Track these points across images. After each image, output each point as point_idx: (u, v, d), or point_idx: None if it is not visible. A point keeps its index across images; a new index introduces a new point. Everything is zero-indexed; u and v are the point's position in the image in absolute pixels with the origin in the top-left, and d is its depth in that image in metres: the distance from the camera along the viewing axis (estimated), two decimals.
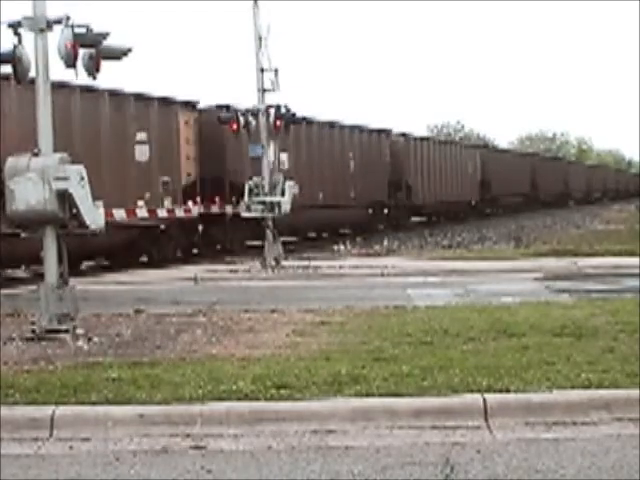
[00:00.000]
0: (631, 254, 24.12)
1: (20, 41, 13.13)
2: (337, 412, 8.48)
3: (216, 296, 17.66)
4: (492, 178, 64.81)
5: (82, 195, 12.86)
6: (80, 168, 13.06)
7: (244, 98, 49.68)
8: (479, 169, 62.78)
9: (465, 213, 60.33)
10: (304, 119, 32.46)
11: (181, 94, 30.09)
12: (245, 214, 26.97)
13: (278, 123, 26.76)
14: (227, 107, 27.60)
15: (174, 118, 28.90)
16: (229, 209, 31.48)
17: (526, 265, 23.32)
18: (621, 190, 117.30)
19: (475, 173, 62.16)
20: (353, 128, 42.98)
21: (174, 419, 8.44)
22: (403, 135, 50.54)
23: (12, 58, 13.09)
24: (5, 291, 20.03)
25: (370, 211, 44.28)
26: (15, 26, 13.08)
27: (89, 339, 12.47)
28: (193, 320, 14.18)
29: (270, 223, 26.45)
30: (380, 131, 46.54)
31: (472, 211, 61.62)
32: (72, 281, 13.68)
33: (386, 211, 46.64)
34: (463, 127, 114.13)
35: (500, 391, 8.78)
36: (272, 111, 26.73)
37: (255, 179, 26.60)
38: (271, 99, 26.88)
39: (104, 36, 13.14)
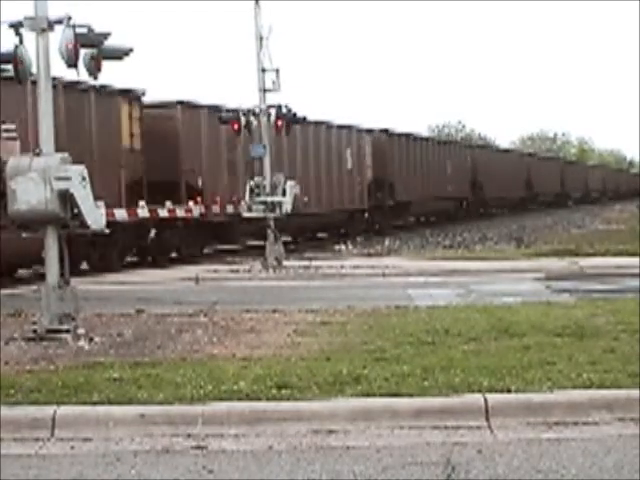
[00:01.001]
0: (632, 254, 24.13)
1: (21, 41, 13.14)
2: (338, 412, 8.48)
3: (217, 296, 17.67)
4: (396, 177, 45.96)
5: (83, 195, 12.86)
6: (81, 168, 13.06)
7: (245, 98, 49.66)
8: (369, 164, 43.14)
9: (345, 228, 41.23)
10: None
11: (181, 94, 29.90)
12: (246, 214, 26.98)
13: (279, 123, 26.81)
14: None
15: None
16: None
17: (527, 265, 23.33)
18: (600, 189, 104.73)
19: (362, 170, 42.10)
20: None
21: (175, 419, 8.44)
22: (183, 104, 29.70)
23: (13, 58, 13.09)
24: (6, 291, 20.04)
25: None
26: (16, 26, 13.08)
27: (90, 339, 12.48)
28: (194, 320, 14.18)
29: (271, 223, 26.46)
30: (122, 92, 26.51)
31: (354, 225, 41.96)
32: (73, 281, 13.68)
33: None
34: (464, 127, 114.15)
35: (501, 391, 8.77)
36: (273, 111, 26.78)
37: (256, 179, 26.62)
38: (272, 99, 26.94)
39: (105, 36, 13.15)
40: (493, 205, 66.85)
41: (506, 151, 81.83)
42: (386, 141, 46.11)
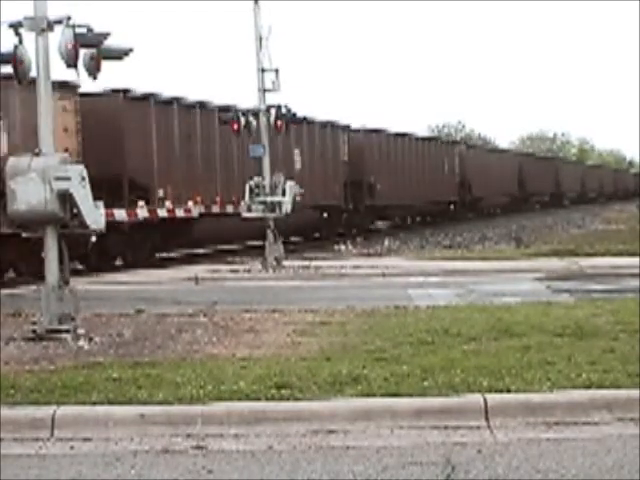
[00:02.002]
0: (632, 254, 24.12)
1: (21, 41, 13.14)
2: (338, 412, 8.47)
3: (217, 296, 17.67)
4: (160, 176, 27.51)
5: (83, 195, 12.86)
6: (81, 168, 13.07)
7: (245, 98, 49.54)
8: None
9: None
10: None
11: (181, 94, 29.84)
12: (246, 214, 26.97)
13: (279, 123, 26.82)
14: None
15: None
16: None
17: (527, 265, 23.34)
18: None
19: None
20: None
21: (175, 419, 8.44)
22: None
23: (13, 58, 13.09)
24: (6, 291, 20.04)
25: None
26: (16, 26, 13.08)
27: (90, 339, 12.48)
28: (194, 320, 14.18)
29: (271, 223, 26.45)
30: None
31: None
32: (72, 281, 13.68)
33: None
34: (464, 127, 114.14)
35: (501, 391, 8.77)
36: (273, 111, 26.78)
37: (256, 179, 26.61)
38: (272, 99, 26.93)
39: (105, 36, 13.15)
40: (394, 214, 47.45)
41: (426, 139, 55.20)
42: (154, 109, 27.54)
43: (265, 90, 26.72)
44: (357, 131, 43.09)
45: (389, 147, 45.71)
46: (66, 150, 24.44)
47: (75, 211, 12.92)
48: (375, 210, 43.49)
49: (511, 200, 65.91)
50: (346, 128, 41.68)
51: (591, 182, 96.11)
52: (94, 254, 25.57)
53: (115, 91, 26.96)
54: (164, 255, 30.83)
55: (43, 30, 12.96)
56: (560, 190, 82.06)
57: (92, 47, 13.11)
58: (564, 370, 9.41)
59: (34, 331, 12.75)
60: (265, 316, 14.35)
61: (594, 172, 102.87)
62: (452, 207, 55.39)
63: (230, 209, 30.45)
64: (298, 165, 36.50)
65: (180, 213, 28.63)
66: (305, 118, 33.09)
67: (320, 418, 8.41)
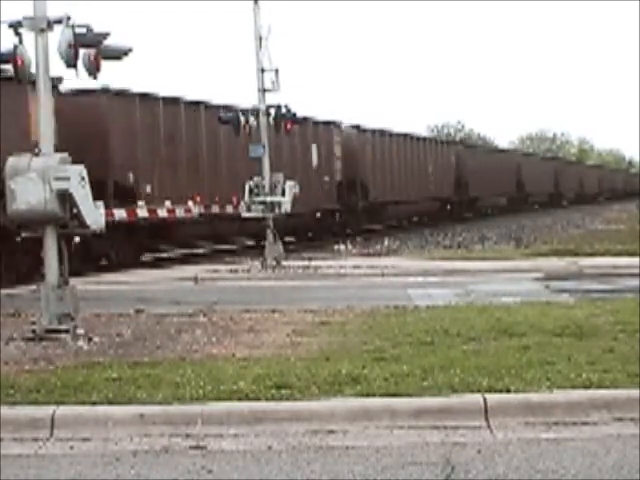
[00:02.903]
0: (632, 254, 24.10)
1: (21, 41, 13.14)
2: (337, 412, 8.47)
3: (216, 296, 17.67)
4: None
5: (82, 195, 12.86)
6: (81, 168, 13.06)
7: (244, 98, 49.42)
8: None
9: None
10: None
11: (182, 94, 29.77)
12: (245, 214, 26.97)
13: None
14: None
15: None
16: None
17: (526, 265, 23.32)
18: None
19: None
20: None
21: (174, 419, 8.44)
22: None
23: (13, 58, 13.09)
24: (5, 291, 20.03)
25: None
26: (16, 26, 13.08)
27: (89, 339, 12.47)
28: (193, 320, 14.18)
29: (270, 223, 26.45)
30: None
31: None
32: (72, 281, 13.68)
33: None
34: (464, 127, 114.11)
35: (500, 391, 8.77)
36: (272, 111, 26.78)
37: (255, 179, 26.61)
38: (271, 99, 26.93)
39: (104, 36, 13.15)
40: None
41: (329, 123, 37.73)
42: None
43: (265, 90, 26.71)
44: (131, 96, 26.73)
45: (199, 127, 29.23)
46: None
47: (75, 211, 12.92)
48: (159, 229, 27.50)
49: (442, 206, 50.60)
50: (106, 91, 25.74)
51: (567, 182, 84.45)
52: None
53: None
54: (164, 255, 30.85)
55: (43, 30, 12.96)
56: (523, 191, 68.73)
57: (92, 47, 13.11)
58: (563, 370, 9.41)
59: (33, 331, 12.75)
60: (265, 316, 14.34)
61: (572, 170, 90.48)
62: (338, 217, 39.67)
63: None
64: None
65: None
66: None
67: (319, 418, 8.41)
